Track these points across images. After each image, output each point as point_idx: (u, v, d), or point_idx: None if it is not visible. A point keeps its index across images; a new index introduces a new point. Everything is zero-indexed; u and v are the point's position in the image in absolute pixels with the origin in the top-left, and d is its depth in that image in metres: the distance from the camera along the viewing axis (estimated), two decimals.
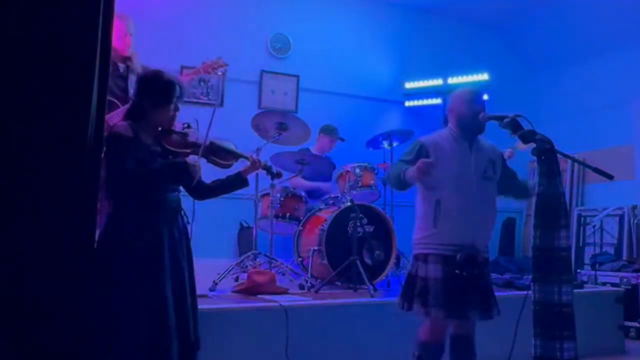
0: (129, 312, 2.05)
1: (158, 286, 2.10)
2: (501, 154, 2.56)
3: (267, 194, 4.22)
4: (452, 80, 6.16)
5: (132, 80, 3.25)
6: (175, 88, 2.26)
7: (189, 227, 2.39)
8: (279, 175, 2.89)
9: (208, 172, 2.46)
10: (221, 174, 2.54)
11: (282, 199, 4.21)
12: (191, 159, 2.25)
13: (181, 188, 2.38)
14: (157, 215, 2.20)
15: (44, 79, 1.85)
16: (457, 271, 2.30)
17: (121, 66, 3.35)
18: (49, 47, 1.86)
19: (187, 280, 2.24)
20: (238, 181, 2.52)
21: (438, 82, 6.25)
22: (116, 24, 3.37)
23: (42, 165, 1.85)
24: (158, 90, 2.24)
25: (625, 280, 4.59)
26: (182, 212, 2.32)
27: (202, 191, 2.45)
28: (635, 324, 4.35)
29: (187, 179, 2.27)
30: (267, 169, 2.75)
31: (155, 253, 2.14)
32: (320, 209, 4.29)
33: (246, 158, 2.60)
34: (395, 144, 4.67)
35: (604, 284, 4.63)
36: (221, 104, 5.42)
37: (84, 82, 1.91)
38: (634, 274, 4.61)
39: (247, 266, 4.00)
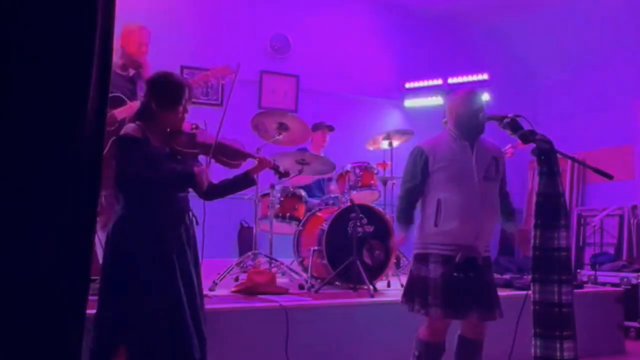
0: (146, 312, 2.09)
1: (171, 286, 2.14)
2: (503, 155, 2.55)
3: (267, 194, 4.23)
4: (452, 80, 6.16)
5: (141, 86, 3.36)
6: (184, 90, 2.29)
7: (198, 228, 2.41)
8: (286, 174, 2.87)
9: (215, 172, 2.47)
10: (228, 174, 2.55)
11: (282, 199, 4.21)
12: (198, 168, 2.28)
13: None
14: (166, 215, 2.23)
15: (37, 78, 1.84)
16: (455, 274, 2.30)
17: (131, 70, 3.47)
18: (42, 46, 1.85)
19: (195, 282, 2.27)
20: (246, 181, 2.52)
21: (438, 82, 6.25)
22: (136, 32, 3.54)
23: (36, 165, 1.84)
24: (167, 92, 2.27)
25: (625, 280, 4.59)
26: (191, 213, 2.34)
27: (211, 192, 2.45)
28: (635, 324, 4.35)
29: (193, 188, 2.31)
30: (275, 168, 2.74)
31: (164, 253, 2.17)
32: (320, 209, 4.29)
33: (254, 157, 2.61)
34: (395, 144, 4.67)
35: (604, 284, 4.63)
36: (221, 104, 5.42)
37: (79, 82, 1.90)
38: (634, 274, 4.61)
39: (247, 266, 4.00)
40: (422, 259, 2.41)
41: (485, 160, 2.43)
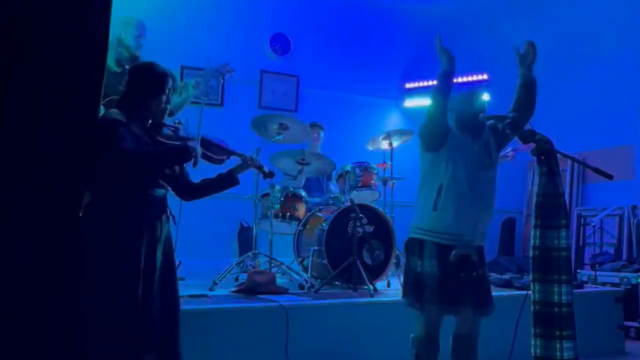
0: (99, 310, 1.97)
1: (130, 286, 2.03)
2: (490, 127, 2.48)
3: (267, 194, 4.23)
4: (452, 81, 6.16)
5: None
6: (168, 79, 2.23)
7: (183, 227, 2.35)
8: (271, 174, 2.82)
9: (199, 171, 2.39)
10: (211, 173, 2.50)
11: (282, 199, 4.21)
12: (192, 143, 2.18)
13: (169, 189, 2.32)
14: (140, 212, 2.11)
15: (55, 76, 1.85)
16: (461, 274, 2.30)
17: (127, 67, 3.38)
18: (60, 44, 1.85)
19: (157, 285, 2.13)
20: (229, 179, 2.45)
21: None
22: (133, 25, 3.47)
23: (48, 162, 1.84)
24: (151, 81, 2.20)
25: (625, 280, 4.59)
26: (169, 212, 2.25)
27: (191, 191, 2.39)
28: (635, 324, 4.34)
29: (187, 162, 2.19)
30: (259, 168, 2.68)
31: (131, 253, 2.05)
32: (320, 209, 4.29)
33: (238, 155, 2.55)
34: (395, 144, 4.67)
35: (603, 284, 4.63)
36: (221, 104, 5.42)
37: (94, 79, 1.90)
38: (634, 274, 4.61)
39: (247, 266, 4.00)
40: (416, 248, 2.38)
41: (481, 149, 2.43)
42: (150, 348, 2.08)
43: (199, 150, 2.20)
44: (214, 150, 2.44)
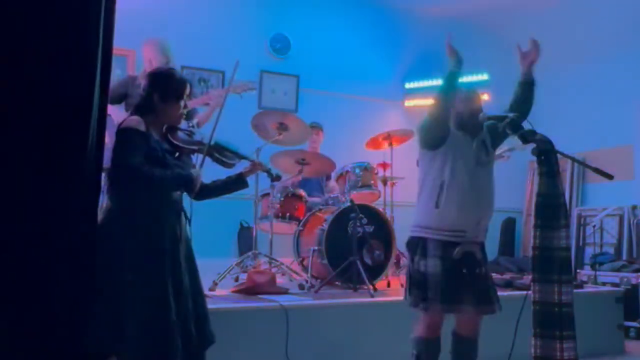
0: (131, 310, 2.02)
1: (159, 285, 2.08)
2: (486, 126, 2.48)
3: (267, 194, 4.23)
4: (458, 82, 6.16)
5: None
6: (187, 86, 2.29)
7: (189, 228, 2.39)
8: (278, 177, 2.93)
9: (210, 172, 2.46)
10: (220, 174, 2.55)
11: (282, 199, 4.21)
12: (195, 171, 2.25)
13: None
14: (160, 214, 2.18)
15: (44, 79, 1.85)
16: (463, 270, 2.30)
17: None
18: (48, 48, 1.85)
19: (186, 282, 2.21)
20: (239, 182, 2.53)
21: (438, 82, 6.24)
22: (158, 44, 3.70)
23: (42, 166, 1.85)
24: (170, 86, 2.25)
25: (625, 280, 4.59)
26: (184, 212, 2.31)
27: (202, 191, 2.42)
28: (635, 324, 4.35)
29: (187, 191, 2.27)
30: (267, 171, 2.78)
31: (157, 252, 2.12)
32: (320, 209, 4.29)
33: (249, 159, 2.63)
34: (395, 144, 4.67)
35: (603, 284, 4.63)
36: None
37: (85, 83, 1.91)
38: (634, 274, 4.61)
39: (247, 266, 4.00)
40: (419, 247, 2.38)
41: (479, 147, 2.43)
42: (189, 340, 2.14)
43: (201, 179, 2.28)
44: (226, 154, 2.49)
